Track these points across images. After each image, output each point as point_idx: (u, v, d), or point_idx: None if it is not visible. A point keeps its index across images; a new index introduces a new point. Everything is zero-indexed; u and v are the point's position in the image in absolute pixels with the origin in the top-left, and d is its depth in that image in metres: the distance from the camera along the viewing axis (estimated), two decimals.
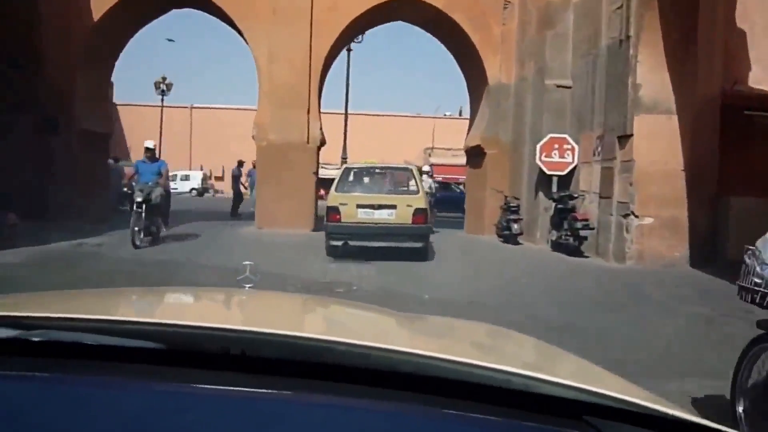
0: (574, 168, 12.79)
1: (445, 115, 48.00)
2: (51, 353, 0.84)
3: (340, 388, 0.78)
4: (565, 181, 12.90)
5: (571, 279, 9.09)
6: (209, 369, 0.81)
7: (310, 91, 14.81)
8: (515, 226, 13.20)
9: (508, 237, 13.50)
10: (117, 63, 16.58)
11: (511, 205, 13.57)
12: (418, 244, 9.72)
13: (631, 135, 10.49)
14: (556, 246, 12.11)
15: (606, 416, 0.76)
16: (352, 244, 9.44)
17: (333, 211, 9.50)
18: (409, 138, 44.70)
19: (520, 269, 10.13)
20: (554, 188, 12.86)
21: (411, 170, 10.97)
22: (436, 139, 44.44)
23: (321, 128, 15.04)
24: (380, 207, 9.49)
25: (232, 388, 0.78)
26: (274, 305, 1.52)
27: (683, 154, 10.48)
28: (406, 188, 10.76)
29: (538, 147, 12.94)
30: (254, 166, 20.33)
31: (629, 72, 10.55)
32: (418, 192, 10.04)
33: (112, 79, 17.27)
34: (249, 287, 1.63)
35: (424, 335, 1.41)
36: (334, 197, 9.72)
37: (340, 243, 9.49)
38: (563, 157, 12.82)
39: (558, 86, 13.14)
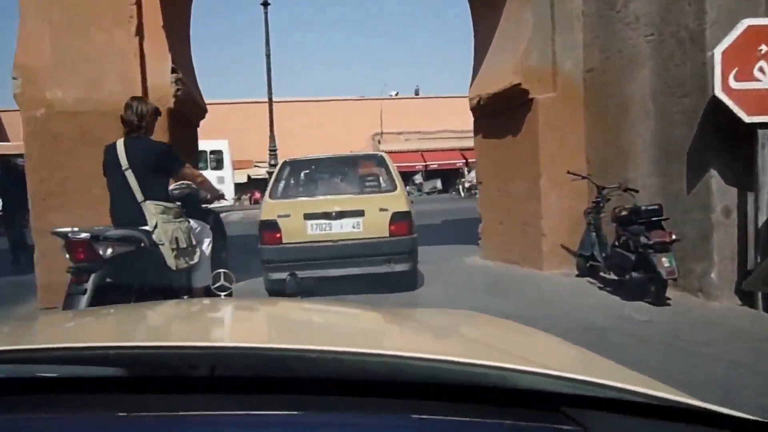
0: None
1: (394, 95, 39.84)
2: (2, 390, 0.75)
3: (311, 401, 0.73)
4: None
5: None
6: (178, 392, 0.75)
7: None
8: (665, 261, 5.00)
9: (641, 285, 5.29)
10: None
11: (644, 208, 5.33)
12: (403, 267, 5.94)
13: None
14: None
15: (586, 404, 0.70)
16: (303, 276, 5.49)
17: (269, 227, 5.93)
18: (353, 124, 36.99)
19: None
20: (762, 158, 4.81)
21: (381, 157, 7.02)
22: (385, 123, 36.86)
23: (177, 72, 6.51)
24: (340, 215, 5.90)
25: (202, 413, 0.71)
26: (244, 315, 1.45)
27: None
28: (376, 184, 6.88)
29: (716, 56, 4.82)
30: None
31: None
32: (395, 188, 6.30)
33: None
34: (224, 295, 1.53)
35: (401, 332, 1.30)
36: (269, 207, 6.15)
37: (284, 276, 5.33)
38: None
39: None
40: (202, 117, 8.10)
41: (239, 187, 31.55)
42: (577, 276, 6.62)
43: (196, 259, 3.90)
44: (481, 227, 8.76)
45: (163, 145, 4.01)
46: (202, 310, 1.43)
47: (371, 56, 74.23)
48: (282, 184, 6.56)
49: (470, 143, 33.76)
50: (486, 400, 0.71)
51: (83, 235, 3.38)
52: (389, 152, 29.00)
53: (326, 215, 5.88)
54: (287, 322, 1.35)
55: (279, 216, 5.94)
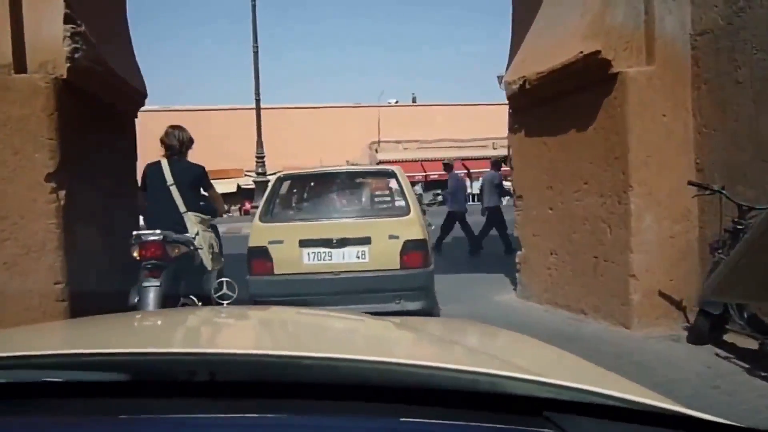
0: None
1: (393, 102, 37.57)
2: (10, 394, 0.77)
3: (306, 405, 0.75)
4: None
5: None
6: (177, 396, 0.77)
7: None
8: None
9: None
10: None
11: None
12: (415, 306, 4.88)
13: None
14: None
15: (569, 410, 0.72)
16: None
17: (258, 255, 4.99)
18: (349, 132, 34.83)
19: None
20: None
21: (393, 173, 5.64)
22: (382, 132, 34.70)
23: (75, 23, 4.12)
24: (342, 243, 4.95)
25: (201, 415, 0.73)
26: (243, 323, 1.45)
27: None
28: (387, 205, 6.17)
29: None
30: None
31: None
32: (408, 211, 5.10)
33: None
34: (227, 303, 1.48)
35: (397, 340, 1.29)
36: (259, 231, 5.11)
37: None
38: None
39: None
40: (140, 104, 5.72)
41: (228, 198, 29.37)
42: (692, 342, 4.24)
43: (222, 263, 4.57)
44: (521, 256, 6.39)
45: (200, 167, 4.51)
46: (205, 318, 1.44)
47: (366, 65, 72.01)
48: (275, 204, 5.52)
49: (471, 152, 31.08)
50: (476, 405, 0.73)
51: (156, 237, 3.79)
52: (387, 162, 26.79)
53: (326, 242, 4.96)
54: (286, 329, 1.37)
55: (270, 242, 5.01)
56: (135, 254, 3.77)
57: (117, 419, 0.71)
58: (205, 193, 4.62)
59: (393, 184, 5.55)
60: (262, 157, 18.83)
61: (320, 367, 0.81)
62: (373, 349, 1.15)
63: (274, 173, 25.69)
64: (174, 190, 4.20)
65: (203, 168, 4.54)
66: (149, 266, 3.75)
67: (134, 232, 3.92)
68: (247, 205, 29.49)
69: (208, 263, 4.27)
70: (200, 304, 3.95)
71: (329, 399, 0.74)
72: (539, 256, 5.99)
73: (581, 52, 4.80)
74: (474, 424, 0.69)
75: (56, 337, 1.17)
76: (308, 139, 33.07)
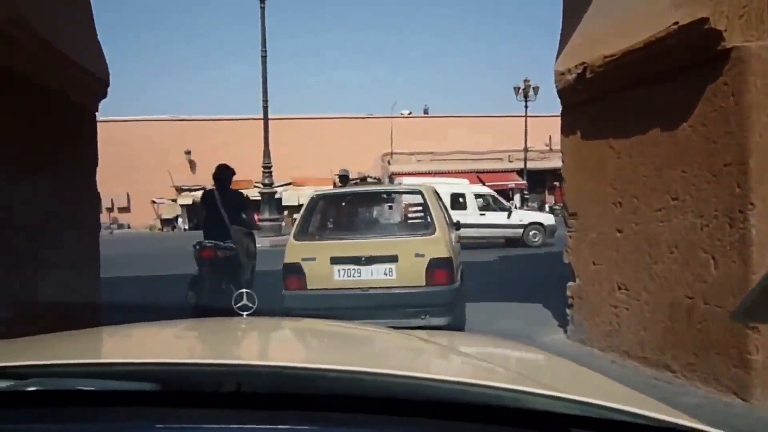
0: None
1: (406, 113, 36.38)
2: (46, 402, 0.78)
3: (331, 418, 0.74)
4: None
5: None
6: (206, 406, 0.77)
7: None
8: None
9: None
10: None
11: None
12: (440, 322, 5.06)
13: None
14: None
15: (595, 427, 0.71)
16: None
17: (292, 271, 5.36)
18: (361, 143, 33.73)
19: None
20: None
21: (420, 193, 5.72)
22: (395, 143, 33.50)
23: None
24: (370, 261, 5.25)
25: (227, 426, 0.73)
26: (269, 334, 1.47)
27: None
28: (413, 224, 5.88)
29: None
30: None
31: None
32: (434, 230, 5.28)
33: None
34: (246, 314, 1.52)
35: (421, 354, 1.29)
36: (293, 249, 5.51)
37: None
38: None
39: None
40: (100, 94, 4.53)
41: None
42: None
43: (255, 260, 6.53)
44: (573, 289, 5.12)
45: (241, 194, 6.57)
46: (233, 328, 1.45)
47: (379, 77, 71.02)
48: (309, 223, 5.83)
49: (486, 165, 29.55)
50: (502, 421, 0.71)
51: (211, 245, 5.73)
52: (400, 174, 25.44)
53: (355, 260, 5.27)
54: (310, 341, 1.38)
55: (303, 259, 5.38)
56: (196, 255, 5.70)
57: (146, 427, 0.72)
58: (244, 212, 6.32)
59: (420, 203, 5.74)
60: (269, 167, 17.70)
61: (345, 380, 0.82)
62: (397, 364, 1.14)
63: (282, 184, 24.35)
64: (223, 211, 5.99)
65: (243, 195, 6.55)
66: (206, 264, 5.67)
67: (202, 241, 5.78)
68: (256, 217, 28.63)
69: (244, 261, 6.13)
70: (236, 290, 4.10)
71: (355, 412, 0.74)
72: (601, 290, 4.71)
73: (676, 23, 3.55)
74: None
75: (88, 346, 1.17)
76: (319, 150, 32.01)
